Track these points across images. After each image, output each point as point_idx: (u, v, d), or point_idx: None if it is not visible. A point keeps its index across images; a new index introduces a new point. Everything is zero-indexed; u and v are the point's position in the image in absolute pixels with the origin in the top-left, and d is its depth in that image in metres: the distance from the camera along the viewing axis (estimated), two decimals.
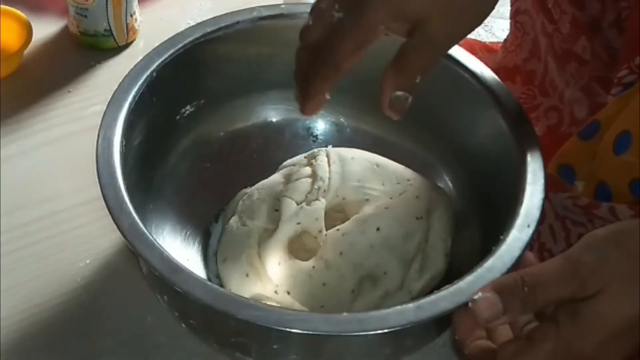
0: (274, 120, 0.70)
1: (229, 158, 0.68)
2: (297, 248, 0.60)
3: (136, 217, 0.52)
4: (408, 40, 0.53)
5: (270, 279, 0.58)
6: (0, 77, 0.77)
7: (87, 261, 0.65)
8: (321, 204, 0.61)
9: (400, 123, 0.58)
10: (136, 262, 0.60)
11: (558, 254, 0.49)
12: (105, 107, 0.58)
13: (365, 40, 0.52)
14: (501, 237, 0.53)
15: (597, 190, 0.62)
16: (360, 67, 0.57)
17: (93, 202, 0.67)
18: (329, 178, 0.62)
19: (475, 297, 0.48)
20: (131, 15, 0.81)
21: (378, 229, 0.59)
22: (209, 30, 0.64)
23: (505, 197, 0.57)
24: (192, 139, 0.66)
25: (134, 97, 0.59)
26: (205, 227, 0.64)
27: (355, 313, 0.50)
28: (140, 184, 0.59)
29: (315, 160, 0.63)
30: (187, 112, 0.66)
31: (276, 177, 0.64)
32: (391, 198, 0.62)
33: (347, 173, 0.63)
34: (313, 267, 0.58)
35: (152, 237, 0.52)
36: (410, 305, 0.49)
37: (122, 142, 0.57)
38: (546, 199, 0.55)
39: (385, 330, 0.48)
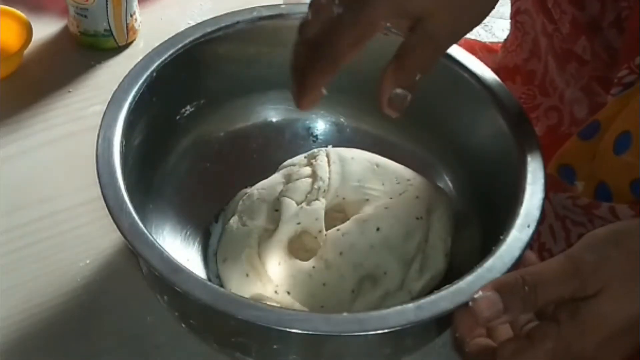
0: (274, 120, 0.70)
1: (229, 158, 0.68)
2: (297, 248, 0.60)
3: (136, 217, 0.52)
4: (408, 37, 0.53)
5: (270, 279, 0.58)
6: (0, 77, 0.77)
7: (87, 261, 0.65)
8: (321, 204, 0.61)
9: (400, 123, 0.58)
10: (136, 262, 0.60)
11: (558, 254, 0.49)
12: (105, 107, 0.58)
13: (365, 36, 0.52)
14: (501, 237, 0.53)
15: (597, 190, 0.62)
16: (360, 67, 0.57)
17: (93, 202, 0.67)
18: (329, 178, 0.62)
19: (476, 296, 0.48)
20: (131, 15, 0.81)
21: (378, 229, 0.59)
22: (209, 30, 0.64)
23: (505, 197, 0.57)
24: (192, 139, 0.66)
25: (134, 97, 0.59)
26: (205, 227, 0.64)
27: (355, 313, 0.50)
28: (140, 184, 0.59)
29: (315, 160, 0.63)
30: (187, 112, 0.66)
31: (276, 177, 0.64)
32: (391, 198, 0.62)
33: (347, 173, 0.63)
34: (313, 267, 0.58)
35: (152, 237, 0.52)
36: (410, 305, 0.49)
37: (122, 142, 0.57)
38: (546, 199, 0.55)
39: (385, 330, 0.48)
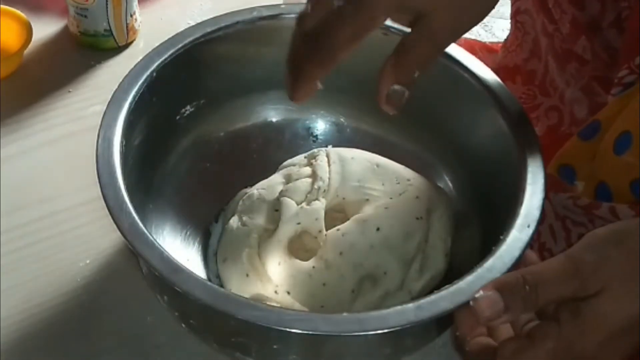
0: (274, 120, 0.70)
1: (229, 158, 0.68)
2: (297, 248, 0.60)
3: (136, 217, 0.52)
4: (408, 34, 0.53)
5: (270, 279, 0.58)
6: (0, 77, 0.77)
7: (87, 261, 0.65)
8: (321, 204, 0.61)
9: (400, 123, 0.58)
10: (136, 262, 0.60)
11: (558, 253, 0.49)
12: (105, 107, 0.58)
13: (365, 30, 0.51)
14: (501, 237, 0.53)
15: (598, 191, 0.62)
16: (360, 67, 0.57)
17: (93, 202, 0.67)
18: (329, 178, 0.62)
19: (477, 295, 0.48)
20: (131, 15, 0.81)
21: (378, 229, 0.59)
22: (209, 30, 0.64)
23: (505, 197, 0.57)
24: (192, 139, 0.66)
25: (134, 97, 0.59)
26: (205, 227, 0.64)
27: (355, 313, 0.50)
28: (140, 184, 0.59)
29: (315, 160, 0.63)
30: (187, 112, 0.66)
31: (276, 177, 0.64)
32: (391, 198, 0.61)
33: (347, 173, 0.63)
34: (313, 267, 0.58)
35: (152, 237, 0.52)
36: (410, 305, 0.49)
37: (122, 142, 0.57)
38: (546, 199, 0.55)
39: (385, 330, 0.48)
